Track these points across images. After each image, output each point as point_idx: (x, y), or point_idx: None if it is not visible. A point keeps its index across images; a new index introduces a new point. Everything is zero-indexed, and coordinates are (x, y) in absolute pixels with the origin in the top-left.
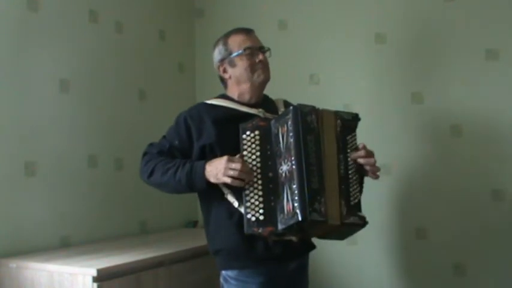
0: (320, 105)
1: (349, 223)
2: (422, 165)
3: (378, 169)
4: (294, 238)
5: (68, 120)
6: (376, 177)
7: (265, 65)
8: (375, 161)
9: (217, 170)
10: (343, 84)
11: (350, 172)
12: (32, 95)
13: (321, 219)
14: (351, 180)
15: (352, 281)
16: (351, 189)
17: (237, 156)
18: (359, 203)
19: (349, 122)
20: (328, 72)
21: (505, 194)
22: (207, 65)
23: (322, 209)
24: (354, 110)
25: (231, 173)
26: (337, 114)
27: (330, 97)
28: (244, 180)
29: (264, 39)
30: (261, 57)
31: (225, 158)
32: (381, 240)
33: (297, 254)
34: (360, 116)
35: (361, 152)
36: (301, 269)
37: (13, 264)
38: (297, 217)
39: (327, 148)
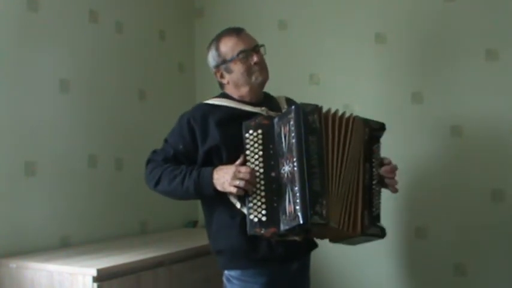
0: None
1: (370, 233)
2: (422, 165)
3: (397, 183)
4: (297, 238)
5: (68, 120)
6: (395, 191)
7: (261, 65)
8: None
9: (224, 178)
10: (343, 84)
11: (374, 183)
12: (32, 95)
13: (322, 221)
14: (374, 191)
15: (352, 281)
16: (373, 200)
17: (241, 157)
18: (379, 214)
19: (376, 132)
20: (328, 72)
21: (505, 194)
22: (207, 65)
23: (324, 211)
24: (354, 110)
25: (237, 182)
26: (366, 122)
27: (330, 97)
28: (248, 191)
29: (264, 39)
30: (255, 59)
31: (233, 167)
32: (381, 240)
33: (299, 253)
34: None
35: (389, 168)
36: (303, 269)
37: (13, 264)
38: (298, 220)
39: (351, 154)
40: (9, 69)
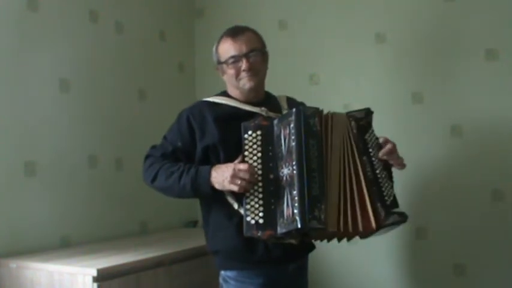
0: (320, 105)
1: (389, 224)
2: (422, 165)
3: (402, 160)
4: (293, 241)
5: (68, 120)
6: (402, 167)
7: (251, 72)
8: (397, 155)
9: (224, 177)
10: (343, 84)
11: (378, 172)
12: (32, 95)
13: (320, 226)
14: (380, 180)
15: (352, 281)
16: (383, 189)
17: (239, 157)
18: (395, 198)
19: (363, 120)
20: (328, 72)
21: (505, 194)
22: (207, 65)
23: (322, 216)
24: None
25: (238, 181)
26: (349, 115)
27: (330, 97)
28: (248, 189)
29: (264, 39)
30: (244, 66)
31: (231, 165)
32: (381, 240)
33: (296, 256)
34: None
35: (387, 150)
36: (301, 270)
37: (13, 264)
38: (296, 224)
39: (340, 152)
40: (9, 68)
